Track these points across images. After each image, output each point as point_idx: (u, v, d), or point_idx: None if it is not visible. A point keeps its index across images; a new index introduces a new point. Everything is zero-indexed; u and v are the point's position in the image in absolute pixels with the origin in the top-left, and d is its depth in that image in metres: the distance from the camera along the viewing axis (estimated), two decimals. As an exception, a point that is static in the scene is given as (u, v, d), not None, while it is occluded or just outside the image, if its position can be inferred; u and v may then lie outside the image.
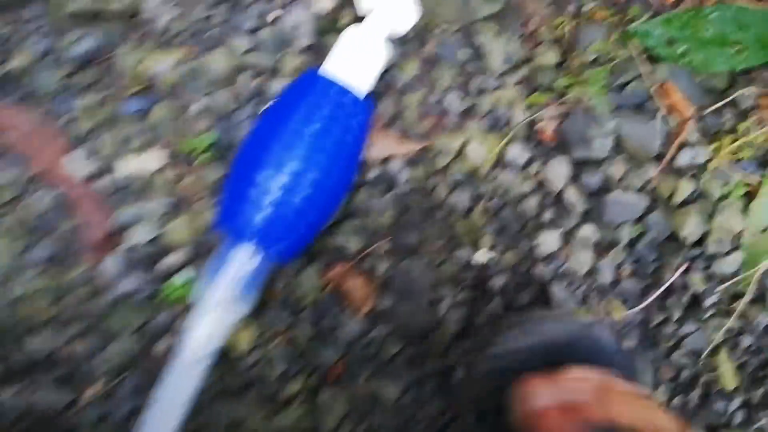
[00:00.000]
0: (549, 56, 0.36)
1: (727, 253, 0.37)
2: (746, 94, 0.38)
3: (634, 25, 0.39)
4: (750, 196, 0.40)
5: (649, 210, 0.36)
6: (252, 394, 0.31)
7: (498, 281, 0.34)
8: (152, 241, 0.31)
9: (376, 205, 0.33)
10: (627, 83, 0.37)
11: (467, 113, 0.35)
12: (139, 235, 0.30)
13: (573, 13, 0.37)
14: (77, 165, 0.30)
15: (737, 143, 0.36)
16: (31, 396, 0.29)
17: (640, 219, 0.36)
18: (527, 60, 0.36)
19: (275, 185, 0.26)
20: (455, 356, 0.34)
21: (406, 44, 0.35)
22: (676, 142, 0.39)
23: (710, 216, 0.37)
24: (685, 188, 0.36)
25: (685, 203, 0.36)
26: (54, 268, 0.30)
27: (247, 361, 0.31)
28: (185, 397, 0.27)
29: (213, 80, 0.32)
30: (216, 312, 0.27)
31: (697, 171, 0.36)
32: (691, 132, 0.39)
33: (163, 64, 0.31)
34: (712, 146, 0.37)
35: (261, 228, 0.26)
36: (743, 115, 0.37)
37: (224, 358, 0.31)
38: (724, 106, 0.36)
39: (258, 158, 0.27)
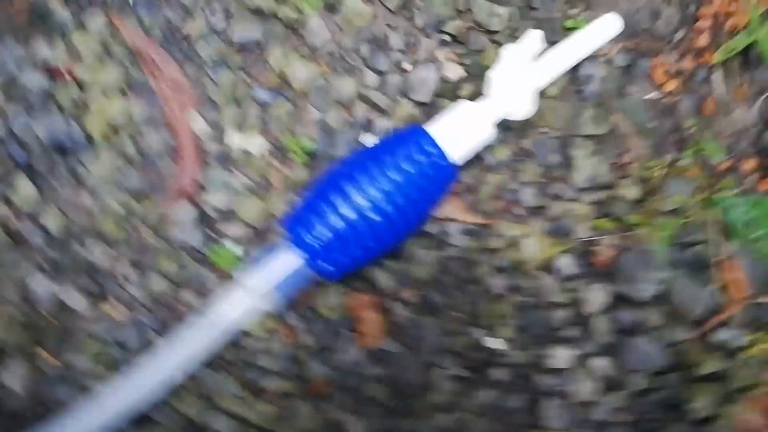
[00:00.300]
0: (630, 191, 0.36)
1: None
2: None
3: (720, 195, 0.41)
4: (775, 400, 0.40)
5: (668, 369, 0.35)
6: (237, 369, 0.32)
7: (498, 373, 0.34)
8: (223, 207, 0.33)
9: (421, 257, 0.34)
10: (694, 244, 0.36)
11: (536, 211, 0.36)
12: (216, 198, 0.32)
13: (668, 161, 0.37)
14: (197, 122, 0.33)
15: (781, 345, 0.38)
16: (61, 291, 0.32)
17: (656, 374, 0.35)
18: (609, 186, 0.36)
19: (345, 212, 0.28)
20: (428, 428, 0.34)
21: (506, 130, 0.35)
22: (720, 318, 0.39)
23: (725, 401, 0.35)
24: (710, 364, 0.35)
25: (705, 379, 0.35)
26: (139, 195, 0.32)
27: (252, 342, 0.32)
28: (191, 363, 0.28)
29: (334, 100, 0.34)
30: (248, 298, 0.28)
31: (730, 354, 0.35)
32: (737, 313, 0.39)
33: (301, 72, 0.33)
34: (753, 336, 0.35)
35: (316, 243, 0.28)
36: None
37: (234, 334, 0.31)
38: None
39: (341, 183, 0.28)
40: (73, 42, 0.32)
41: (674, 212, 0.37)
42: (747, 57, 0.40)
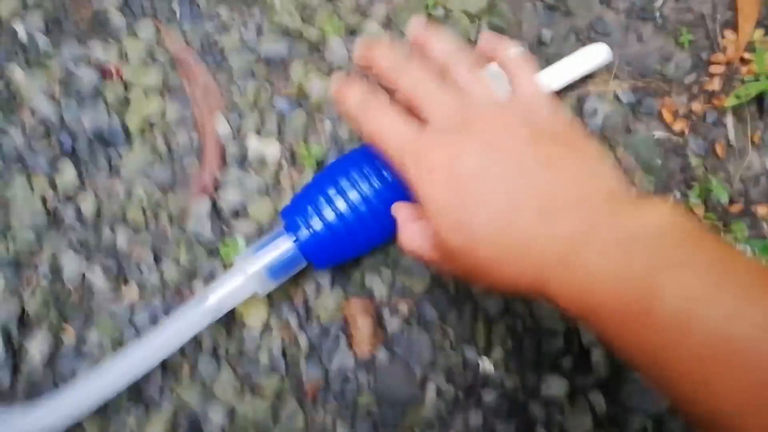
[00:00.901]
0: None
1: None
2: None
3: (730, 237, 0.42)
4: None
5: (668, 412, 0.35)
6: (238, 363, 0.35)
7: (490, 396, 0.35)
8: (237, 204, 0.36)
9: (418, 271, 0.36)
10: None
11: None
12: (231, 196, 0.36)
13: (675, 200, 0.38)
14: (222, 124, 0.37)
15: None
16: (87, 269, 0.35)
17: (657, 417, 0.35)
18: None
19: (338, 204, 0.30)
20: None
21: None
22: None
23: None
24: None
25: None
26: (164, 188, 0.37)
27: (250, 335, 0.35)
28: (184, 337, 0.31)
29: None
30: (242, 280, 0.31)
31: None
32: None
33: (319, 85, 0.38)
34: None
35: (308, 230, 0.30)
36: None
37: (235, 325, 0.35)
38: None
39: (337, 177, 0.31)
40: (124, 45, 0.38)
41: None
42: (761, 104, 0.42)
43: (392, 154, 0.26)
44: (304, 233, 0.31)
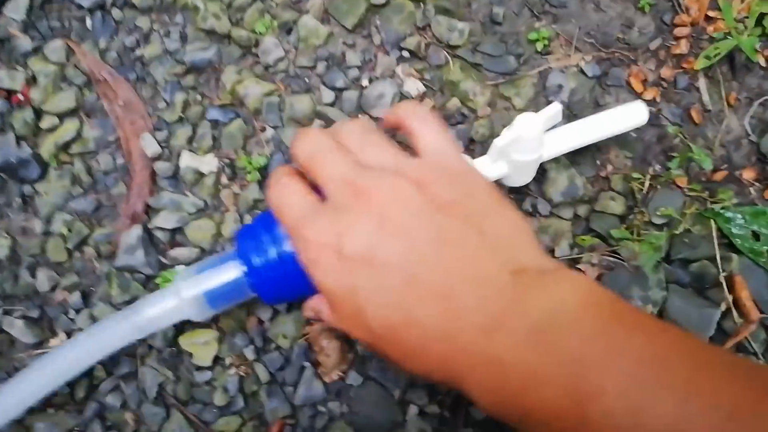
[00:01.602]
0: (614, 204, 0.37)
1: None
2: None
3: (718, 206, 0.41)
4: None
5: None
6: (193, 408, 0.33)
7: (479, 412, 0.34)
8: (173, 230, 0.35)
9: None
10: (692, 261, 0.36)
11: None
12: (166, 220, 0.35)
13: (654, 173, 0.38)
14: (150, 144, 0.36)
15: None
16: (6, 322, 0.33)
17: None
18: (590, 200, 0.37)
19: None
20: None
21: (472, 144, 0.38)
22: (732, 343, 0.39)
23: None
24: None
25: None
26: (89, 220, 0.35)
27: (203, 376, 0.33)
28: (103, 352, 0.29)
29: (289, 117, 0.37)
30: (176, 302, 0.29)
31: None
32: (752, 336, 0.38)
33: (255, 90, 0.37)
34: (773, 363, 0.38)
35: (260, 260, 0.28)
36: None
37: (181, 364, 0.33)
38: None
39: None
40: (30, 66, 0.37)
41: (665, 225, 0.37)
42: (733, 63, 0.42)
43: (288, 231, 0.26)
44: (254, 264, 0.28)
